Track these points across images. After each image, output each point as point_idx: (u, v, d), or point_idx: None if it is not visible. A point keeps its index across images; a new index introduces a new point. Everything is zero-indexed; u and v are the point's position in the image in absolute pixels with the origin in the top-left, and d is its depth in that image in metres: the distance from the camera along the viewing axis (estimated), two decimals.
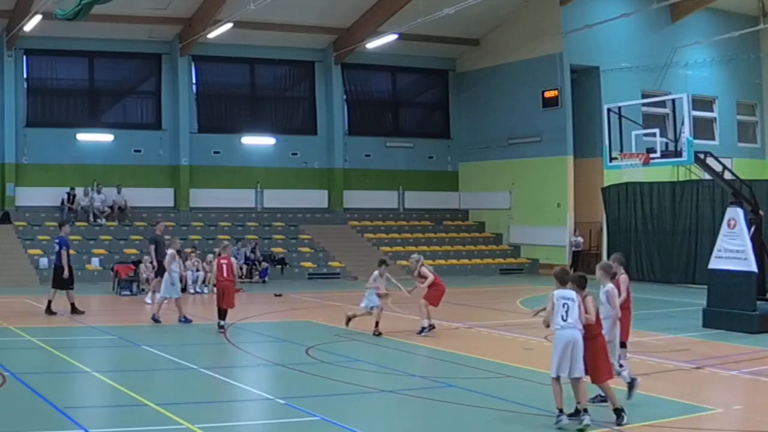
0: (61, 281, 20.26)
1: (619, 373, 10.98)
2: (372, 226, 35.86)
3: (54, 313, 20.00)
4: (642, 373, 13.40)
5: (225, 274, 17.79)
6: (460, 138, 38.51)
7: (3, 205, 31.38)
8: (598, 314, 10.34)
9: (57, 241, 20.95)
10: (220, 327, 17.63)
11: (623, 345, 12.67)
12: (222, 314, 17.76)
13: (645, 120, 25.34)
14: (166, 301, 19.31)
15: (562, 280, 10.27)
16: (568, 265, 30.17)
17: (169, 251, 19.65)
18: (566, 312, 10.10)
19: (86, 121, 33.20)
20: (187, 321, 19.02)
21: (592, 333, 10.23)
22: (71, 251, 21.44)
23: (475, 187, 37.74)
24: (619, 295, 12.05)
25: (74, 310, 20.17)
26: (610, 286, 11.32)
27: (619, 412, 10.19)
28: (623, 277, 13.26)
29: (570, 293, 10.18)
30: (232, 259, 18.42)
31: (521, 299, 24.72)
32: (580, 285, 10.28)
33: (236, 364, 14.97)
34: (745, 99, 37.93)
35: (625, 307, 12.68)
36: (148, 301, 22.77)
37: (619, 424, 10.05)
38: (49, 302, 20.11)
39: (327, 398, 11.87)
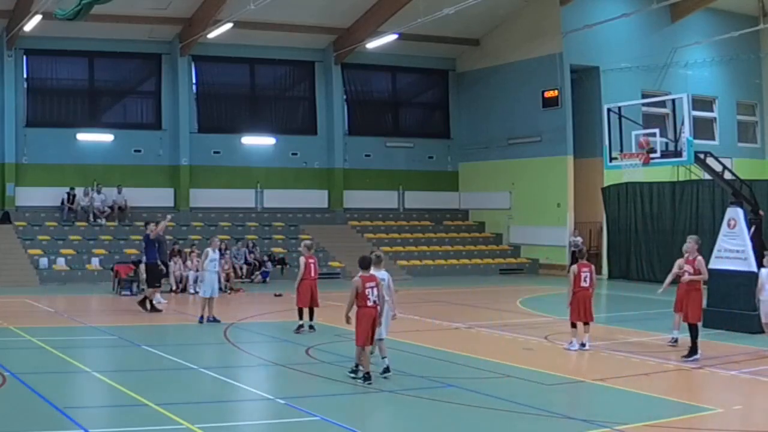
0: (156, 278, 21.02)
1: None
2: (372, 226, 35.86)
3: (159, 311, 20.71)
4: (642, 373, 13.45)
5: (313, 274, 17.79)
6: (460, 138, 38.51)
7: (3, 205, 31.37)
8: (362, 292, 12.47)
9: (145, 239, 21.44)
10: (311, 327, 17.67)
11: (574, 325, 15.47)
12: (310, 314, 17.78)
13: (645, 120, 25.35)
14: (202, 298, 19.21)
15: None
16: (568, 264, 30.17)
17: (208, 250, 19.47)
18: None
19: (86, 121, 33.18)
20: (216, 320, 18.90)
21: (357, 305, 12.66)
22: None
23: (475, 187, 37.73)
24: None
25: (153, 308, 20.73)
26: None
27: (357, 370, 12.57)
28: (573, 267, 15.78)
29: (383, 275, 13.25)
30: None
31: (521, 299, 24.74)
32: (363, 266, 12.73)
33: (236, 364, 14.96)
34: (745, 99, 37.92)
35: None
36: (162, 300, 22.66)
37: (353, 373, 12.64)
38: (150, 301, 20.83)
39: (327, 398, 11.87)
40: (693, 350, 14.62)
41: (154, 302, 21.03)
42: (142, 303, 20.90)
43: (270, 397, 11.89)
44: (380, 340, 13.04)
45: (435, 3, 29.86)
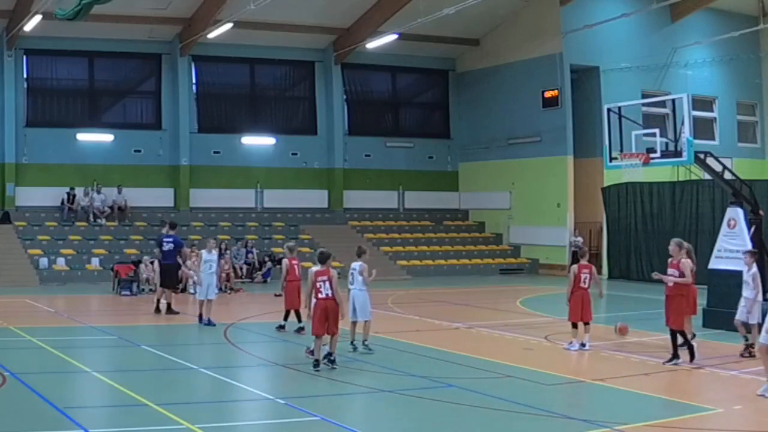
0: (173, 281, 20.77)
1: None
2: (372, 226, 35.85)
3: (176, 313, 20.35)
4: (642, 373, 13.45)
5: (298, 275, 17.54)
6: (460, 138, 38.51)
7: (3, 205, 31.37)
8: (315, 286, 13.35)
9: (170, 240, 20.83)
10: (301, 329, 17.23)
11: (575, 326, 15.58)
12: (297, 315, 17.46)
13: (645, 120, 25.33)
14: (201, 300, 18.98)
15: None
16: (568, 264, 30.17)
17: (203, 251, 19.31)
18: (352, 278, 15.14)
19: (86, 121, 33.19)
20: (210, 324, 18.53)
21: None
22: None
23: (475, 187, 37.74)
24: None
25: (170, 309, 20.41)
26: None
27: (327, 358, 13.49)
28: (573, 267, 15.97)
29: (356, 265, 15.07)
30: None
31: (521, 299, 24.74)
32: (320, 260, 13.55)
33: (236, 364, 14.96)
34: (745, 99, 37.92)
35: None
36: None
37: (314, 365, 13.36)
38: (168, 303, 20.43)
39: (327, 398, 11.88)
40: (674, 354, 14.16)
41: (159, 303, 20.86)
42: (170, 310, 20.43)
43: (270, 397, 11.88)
44: (365, 321, 15.08)
45: (435, 3, 29.86)
